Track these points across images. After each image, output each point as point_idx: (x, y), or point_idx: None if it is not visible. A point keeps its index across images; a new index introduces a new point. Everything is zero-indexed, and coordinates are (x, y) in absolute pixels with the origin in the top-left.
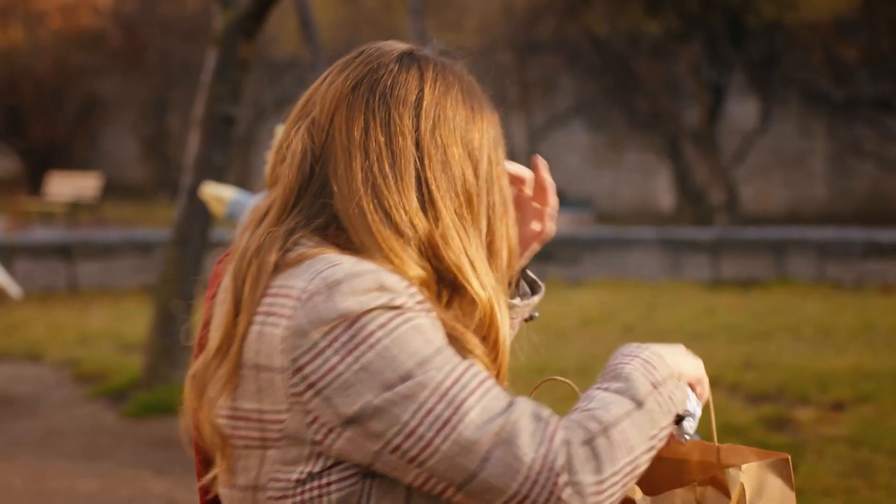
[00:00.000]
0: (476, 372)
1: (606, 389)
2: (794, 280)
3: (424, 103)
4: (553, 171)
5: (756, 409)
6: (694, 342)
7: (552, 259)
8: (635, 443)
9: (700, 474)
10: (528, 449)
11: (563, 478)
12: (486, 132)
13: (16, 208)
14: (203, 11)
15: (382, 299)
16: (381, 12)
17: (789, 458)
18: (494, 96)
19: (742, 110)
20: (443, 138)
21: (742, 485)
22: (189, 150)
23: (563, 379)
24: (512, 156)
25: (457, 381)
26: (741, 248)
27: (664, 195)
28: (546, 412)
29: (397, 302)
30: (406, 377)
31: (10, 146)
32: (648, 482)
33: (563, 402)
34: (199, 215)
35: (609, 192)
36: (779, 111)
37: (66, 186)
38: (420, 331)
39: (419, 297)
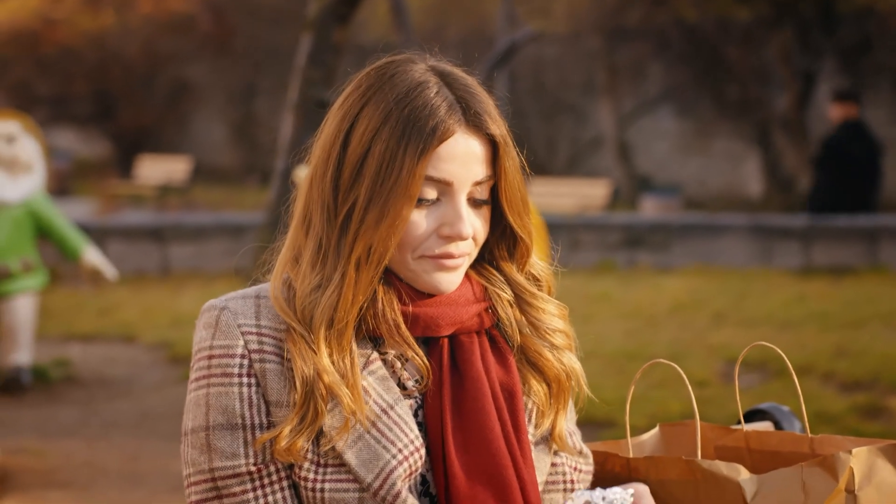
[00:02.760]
0: (209, 482)
1: None
2: (887, 268)
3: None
4: (641, 157)
5: (850, 397)
6: (785, 330)
7: (642, 245)
8: None
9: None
10: None
11: None
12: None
13: (106, 191)
14: None
15: (206, 343)
16: None
17: None
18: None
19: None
20: None
21: (851, 468)
22: (283, 133)
23: (668, 362)
24: (600, 141)
25: (194, 466)
26: (833, 236)
27: (753, 182)
28: None
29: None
30: (184, 432)
31: (100, 130)
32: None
33: (661, 387)
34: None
35: (697, 179)
36: (870, 98)
37: (155, 170)
38: (198, 404)
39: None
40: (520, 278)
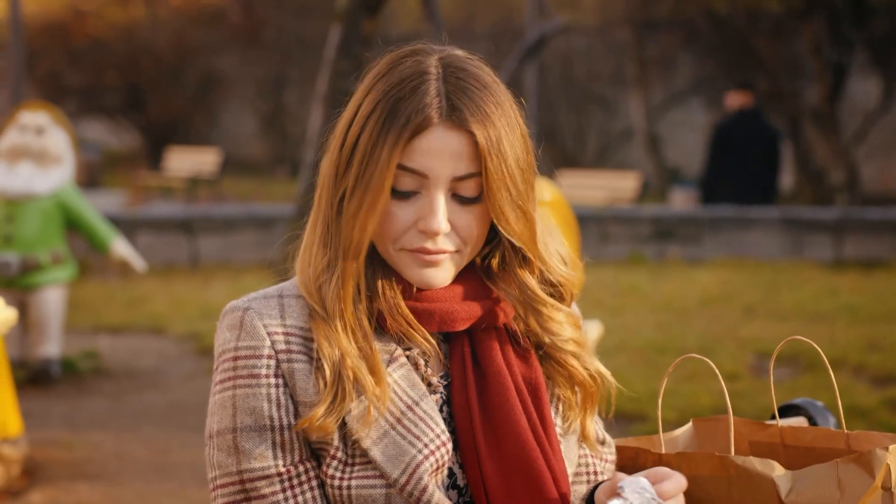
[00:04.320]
0: (237, 484)
1: None
2: None
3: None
4: (671, 149)
5: (881, 391)
6: (816, 323)
7: (671, 237)
8: None
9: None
10: None
11: None
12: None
13: (136, 183)
14: None
15: (230, 345)
16: None
17: None
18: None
19: (863, 89)
20: None
21: (888, 465)
22: (312, 125)
23: (700, 357)
24: (629, 134)
25: (220, 469)
26: (864, 228)
27: (783, 175)
28: None
29: (234, 355)
30: (208, 435)
31: (130, 122)
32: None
33: (691, 380)
34: None
35: None
36: None
37: (185, 162)
38: (223, 406)
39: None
40: (531, 282)
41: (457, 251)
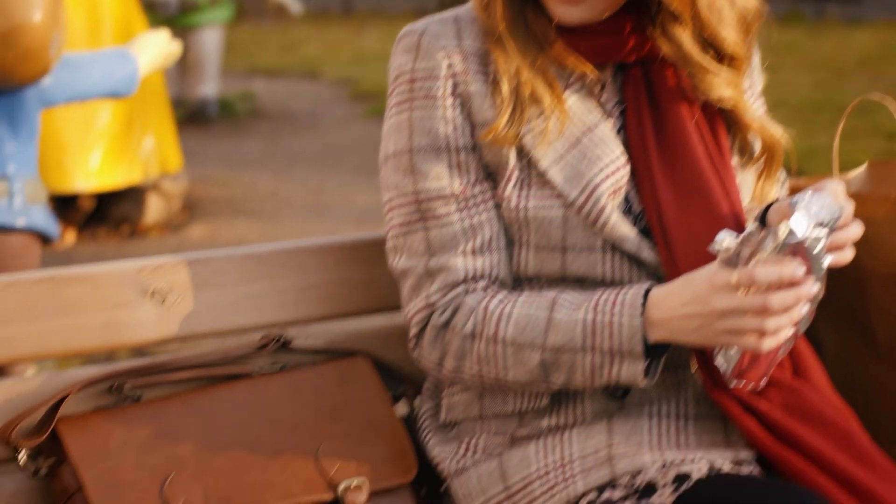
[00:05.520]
0: (412, 204)
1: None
2: None
3: None
4: None
5: None
6: None
7: None
8: (499, 371)
9: None
10: (404, 300)
11: (413, 342)
12: None
13: None
14: None
15: (407, 66)
16: None
17: None
18: None
19: None
20: None
21: None
22: None
23: (880, 96)
24: None
25: (397, 189)
26: None
27: None
28: (453, 286)
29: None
30: (384, 157)
31: None
32: None
33: (849, 138)
34: None
35: None
36: None
37: None
38: (400, 127)
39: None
40: (682, 39)
41: None
